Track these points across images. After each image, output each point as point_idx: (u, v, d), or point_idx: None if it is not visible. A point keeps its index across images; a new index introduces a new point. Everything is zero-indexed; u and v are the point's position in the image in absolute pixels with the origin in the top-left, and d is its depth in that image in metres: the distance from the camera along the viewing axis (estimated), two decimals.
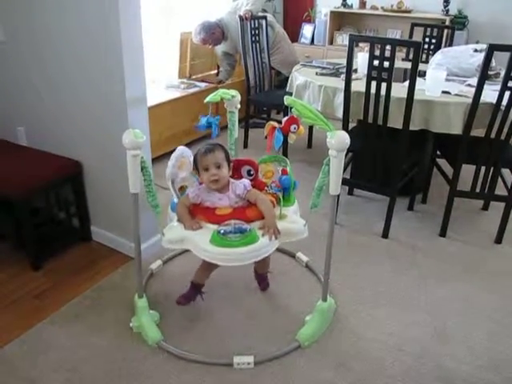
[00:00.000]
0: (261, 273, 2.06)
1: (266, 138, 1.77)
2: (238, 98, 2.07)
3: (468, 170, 2.46)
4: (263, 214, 1.69)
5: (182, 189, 1.86)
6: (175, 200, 1.81)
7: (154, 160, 2.41)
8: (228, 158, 1.78)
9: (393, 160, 2.44)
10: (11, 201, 2.09)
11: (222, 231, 1.60)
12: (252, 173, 1.90)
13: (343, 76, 2.49)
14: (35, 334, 1.83)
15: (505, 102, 2.20)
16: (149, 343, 1.77)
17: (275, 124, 1.75)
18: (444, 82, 2.47)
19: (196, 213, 1.73)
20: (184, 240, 1.66)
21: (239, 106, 2.10)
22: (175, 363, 1.71)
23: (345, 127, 2.52)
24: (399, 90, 2.36)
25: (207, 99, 1.94)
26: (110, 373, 1.67)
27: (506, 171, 2.59)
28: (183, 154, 1.84)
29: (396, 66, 2.25)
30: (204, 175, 1.73)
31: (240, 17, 3.72)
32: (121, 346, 1.78)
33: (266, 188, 1.85)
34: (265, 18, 3.93)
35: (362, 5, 4.67)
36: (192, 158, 1.82)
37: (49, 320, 1.90)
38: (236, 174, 1.88)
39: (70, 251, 2.36)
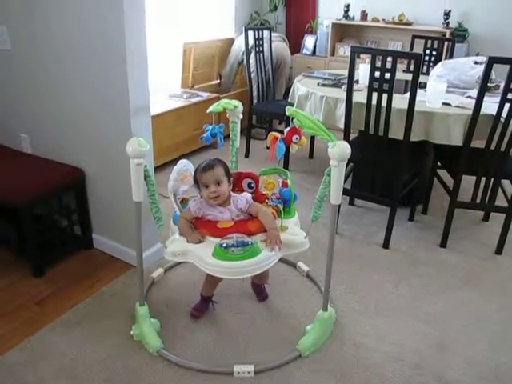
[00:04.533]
0: (258, 283, 2.06)
1: (267, 148, 1.79)
2: (241, 108, 2.07)
3: (468, 181, 2.48)
4: (265, 226, 1.69)
5: (184, 201, 1.87)
6: (177, 213, 1.82)
7: (156, 169, 2.43)
8: (228, 173, 1.78)
9: (394, 171, 2.45)
10: (14, 208, 2.10)
11: (224, 245, 1.60)
12: (253, 185, 1.91)
13: (345, 87, 2.51)
14: (36, 340, 1.83)
15: (504, 113, 2.22)
16: (149, 351, 1.78)
17: (277, 134, 1.77)
18: (444, 94, 2.49)
19: (198, 226, 1.73)
20: (186, 253, 1.66)
21: (241, 116, 2.10)
22: (175, 371, 1.71)
23: (346, 138, 2.54)
24: (400, 101, 2.38)
25: (210, 109, 1.95)
26: (110, 380, 1.67)
27: (506, 182, 2.60)
28: (185, 167, 1.84)
29: (397, 77, 2.27)
30: (204, 192, 1.73)
31: (244, 28, 3.78)
32: (121, 354, 1.78)
33: (266, 200, 1.86)
34: (269, 29, 3.98)
35: (364, 17, 4.71)
36: (194, 172, 1.82)
37: (50, 327, 1.91)
38: (237, 186, 1.89)
39: (71, 258, 2.37)
